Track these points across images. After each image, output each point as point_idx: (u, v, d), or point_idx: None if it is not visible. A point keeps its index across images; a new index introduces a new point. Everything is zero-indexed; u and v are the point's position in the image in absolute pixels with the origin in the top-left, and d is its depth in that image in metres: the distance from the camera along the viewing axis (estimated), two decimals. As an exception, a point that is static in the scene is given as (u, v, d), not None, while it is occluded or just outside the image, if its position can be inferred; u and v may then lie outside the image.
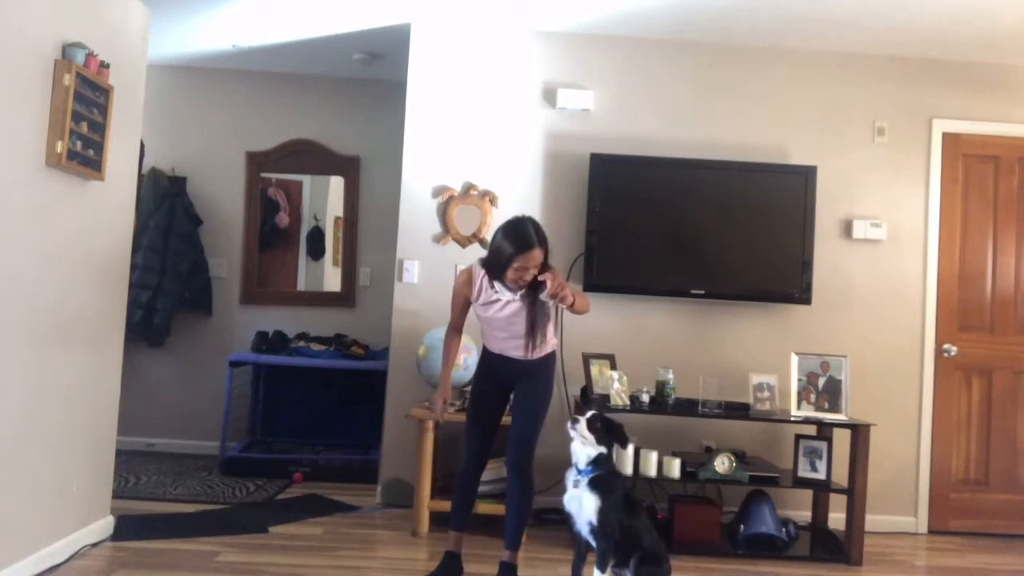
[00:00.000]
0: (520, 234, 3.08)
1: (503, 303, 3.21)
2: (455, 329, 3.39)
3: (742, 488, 4.16)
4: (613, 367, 4.26)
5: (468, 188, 4.64)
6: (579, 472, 3.07)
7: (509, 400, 3.44)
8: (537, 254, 3.07)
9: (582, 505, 3.02)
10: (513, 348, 3.26)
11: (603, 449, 3.05)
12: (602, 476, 3.04)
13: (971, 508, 4.66)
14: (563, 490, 3.13)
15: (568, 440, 3.12)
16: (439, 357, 4.15)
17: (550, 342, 3.33)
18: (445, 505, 3.82)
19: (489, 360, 3.37)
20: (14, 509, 2.95)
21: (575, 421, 3.07)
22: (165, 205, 5.49)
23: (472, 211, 4.62)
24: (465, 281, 3.27)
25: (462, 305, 3.32)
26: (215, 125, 5.75)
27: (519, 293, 3.18)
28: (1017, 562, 4.18)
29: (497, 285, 3.19)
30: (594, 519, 2.99)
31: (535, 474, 3.32)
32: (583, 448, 3.06)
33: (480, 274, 3.23)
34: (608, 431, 3.08)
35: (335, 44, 5.07)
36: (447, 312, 3.45)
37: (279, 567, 3.39)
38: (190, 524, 3.93)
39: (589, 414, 3.11)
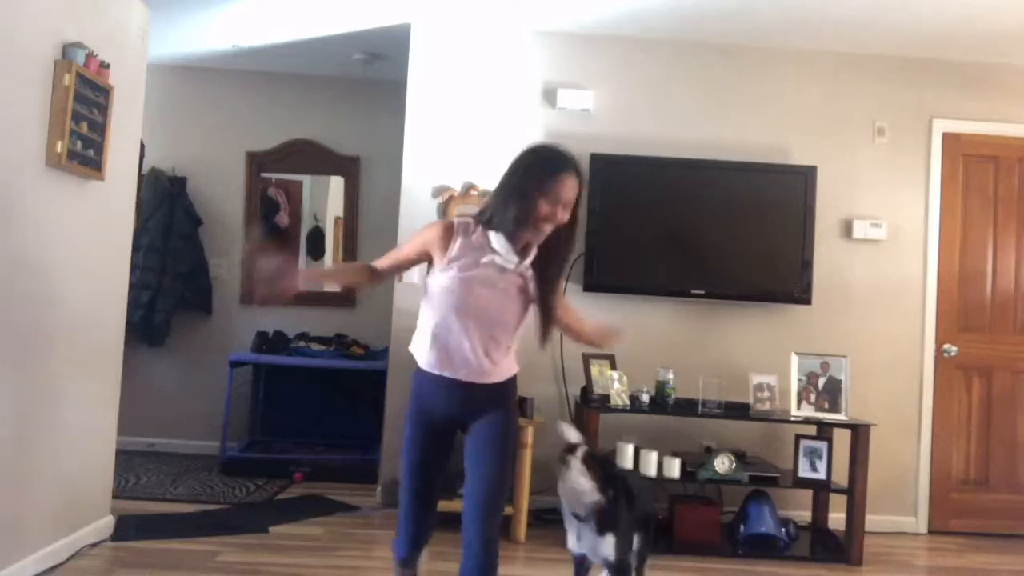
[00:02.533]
0: (554, 154, 2.32)
1: (499, 269, 2.28)
2: (377, 273, 2.40)
3: (742, 488, 4.16)
4: (613, 367, 4.26)
5: (468, 188, 4.64)
6: (580, 521, 2.61)
7: (452, 443, 2.44)
8: (574, 184, 2.28)
9: (596, 550, 2.65)
10: (475, 358, 2.28)
11: (601, 497, 2.55)
12: (609, 512, 2.57)
13: (971, 508, 4.66)
14: (563, 538, 2.76)
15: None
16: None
17: (513, 359, 2.42)
18: (445, 505, 3.81)
19: (429, 391, 2.34)
20: (14, 509, 2.95)
21: (565, 463, 2.51)
22: (165, 205, 5.48)
23: (472, 211, 4.61)
24: (441, 233, 2.30)
25: (413, 259, 2.38)
26: (215, 125, 5.75)
27: (528, 260, 2.30)
28: (1017, 562, 4.18)
29: (499, 242, 2.27)
30: (612, 556, 2.62)
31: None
32: (579, 495, 2.54)
33: (471, 229, 2.32)
34: (610, 479, 2.58)
35: (335, 44, 5.07)
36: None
37: (279, 567, 3.39)
38: (190, 524, 3.94)
39: (580, 451, 2.56)
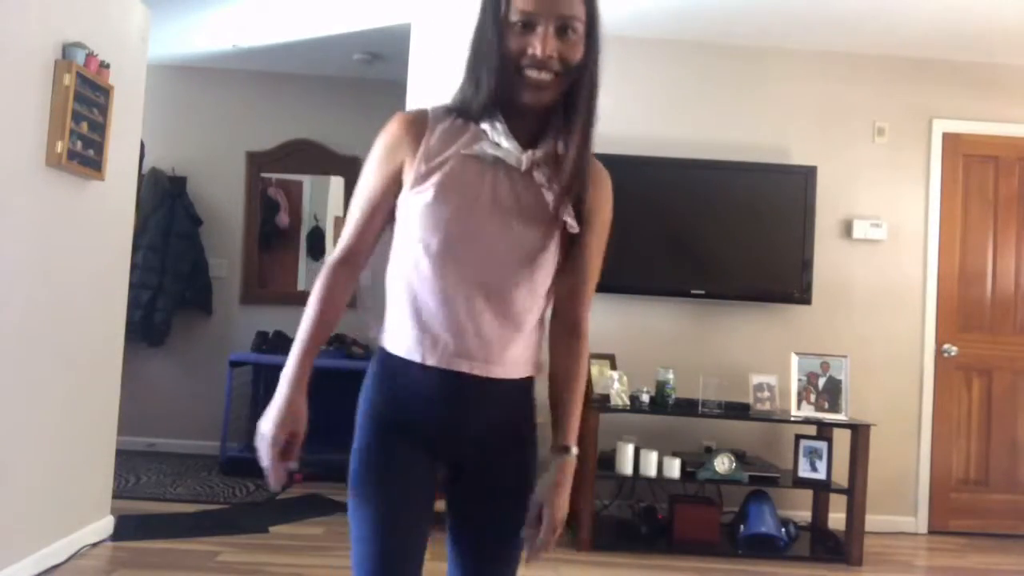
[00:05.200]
0: None
1: (505, 169, 1.39)
2: (346, 261, 1.52)
3: (742, 488, 4.16)
4: (613, 367, 4.26)
5: (468, 188, 4.63)
6: None
7: (432, 501, 1.55)
8: None
9: None
10: (487, 323, 1.39)
11: None
12: None
13: (971, 508, 4.66)
14: None
15: None
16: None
17: (536, 342, 1.54)
18: (444, 505, 3.81)
19: (404, 383, 1.41)
20: (14, 509, 2.95)
21: None
22: (165, 205, 5.49)
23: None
24: (406, 128, 1.47)
25: (383, 191, 1.46)
26: (215, 125, 5.75)
27: (541, 151, 1.38)
28: (1017, 562, 4.18)
29: (495, 130, 1.38)
30: None
31: None
32: None
33: (451, 118, 1.44)
34: None
35: (335, 44, 5.07)
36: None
37: (279, 567, 3.39)
38: (190, 524, 3.94)
39: None
